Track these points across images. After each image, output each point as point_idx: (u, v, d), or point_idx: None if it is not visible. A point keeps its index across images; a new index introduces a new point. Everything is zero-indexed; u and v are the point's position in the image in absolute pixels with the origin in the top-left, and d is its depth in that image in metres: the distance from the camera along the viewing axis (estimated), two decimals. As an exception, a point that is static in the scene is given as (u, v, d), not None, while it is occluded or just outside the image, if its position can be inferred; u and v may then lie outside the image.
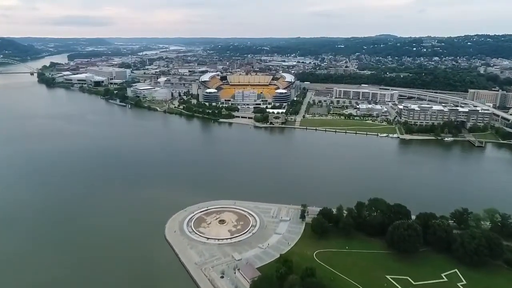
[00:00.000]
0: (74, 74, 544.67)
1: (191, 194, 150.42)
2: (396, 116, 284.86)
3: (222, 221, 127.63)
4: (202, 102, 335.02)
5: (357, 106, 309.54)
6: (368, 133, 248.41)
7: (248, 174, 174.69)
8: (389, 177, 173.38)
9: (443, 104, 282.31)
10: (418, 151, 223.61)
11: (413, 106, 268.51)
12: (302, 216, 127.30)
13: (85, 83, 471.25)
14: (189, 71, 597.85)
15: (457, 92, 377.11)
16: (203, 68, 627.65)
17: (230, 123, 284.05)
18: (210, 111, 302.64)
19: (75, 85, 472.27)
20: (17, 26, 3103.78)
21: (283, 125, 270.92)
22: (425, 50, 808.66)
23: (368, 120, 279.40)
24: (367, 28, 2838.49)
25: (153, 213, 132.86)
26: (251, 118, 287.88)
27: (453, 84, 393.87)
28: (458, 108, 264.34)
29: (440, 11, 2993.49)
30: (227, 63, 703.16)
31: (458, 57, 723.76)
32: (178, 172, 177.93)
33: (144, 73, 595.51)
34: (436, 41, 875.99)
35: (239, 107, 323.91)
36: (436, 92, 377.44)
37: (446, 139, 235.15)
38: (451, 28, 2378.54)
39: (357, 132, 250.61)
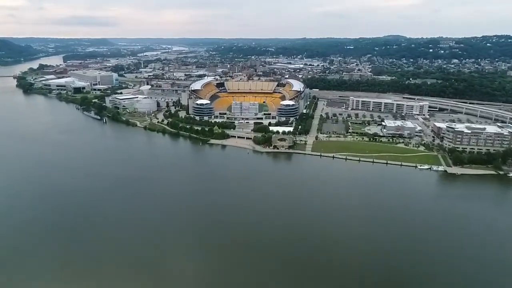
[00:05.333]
0: (59, 78, 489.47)
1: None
2: (434, 138, 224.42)
3: None
4: (192, 116, 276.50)
5: (383, 123, 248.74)
6: (403, 163, 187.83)
7: (235, 250, 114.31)
8: (455, 251, 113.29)
9: (498, 124, 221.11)
10: (479, 195, 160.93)
11: (459, 126, 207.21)
12: None
13: (64, 89, 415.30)
14: (185, 74, 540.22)
15: (498, 103, 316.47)
16: (201, 72, 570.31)
17: (224, 146, 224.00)
18: (199, 129, 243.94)
19: (54, 91, 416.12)
20: (23, 27, 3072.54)
21: (290, 150, 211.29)
22: (442, 51, 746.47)
23: (399, 142, 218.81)
24: (375, 29, 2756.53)
25: None
26: (250, 138, 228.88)
27: (491, 93, 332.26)
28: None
29: (452, 11, 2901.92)
30: (228, 66, 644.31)
31: (479, 60, 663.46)
32: (122, 246, 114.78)
33: (136, 77, 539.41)
34: (454, 42, 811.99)
35: (236, 122, 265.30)
36: (472, 103, 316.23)
37: (510, 174, 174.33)
38: (466, 29, 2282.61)
39: (388, 162, 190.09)
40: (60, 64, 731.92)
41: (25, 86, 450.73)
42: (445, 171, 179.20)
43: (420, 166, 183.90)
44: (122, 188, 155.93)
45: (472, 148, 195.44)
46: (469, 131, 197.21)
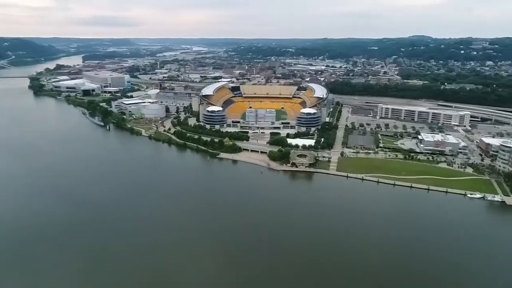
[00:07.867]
0: (72, 79, 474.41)
1: None
2: (483, 157, 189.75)
3: None
4: (203, 124, 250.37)
5: (419, 136, 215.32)
6: (448, 190, 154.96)
7: None
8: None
9: None
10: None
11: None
12: None
13: (74, 91, 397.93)
14: (201, 76, 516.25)
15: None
16: (218, 73, 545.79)
17: (235, 161, 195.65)
18: (208, 140, 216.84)
19: (63, 93, 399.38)
20: (49, 27, 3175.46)
21: (311, 168, 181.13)
22: (475, 53, 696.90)
23: (441, 161, 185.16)
24: (398, 29, 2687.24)
25: None
26: (265, 153, 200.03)
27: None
28: None
29: (479, 11, 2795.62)
30: (246, 67, 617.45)
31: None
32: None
33: (150, 78, 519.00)
34: (487, 42, 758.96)
35: (250, 132, 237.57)
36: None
37: None
38: (496, 29, 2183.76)
39: (430, 187, 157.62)
40: (77, 64, 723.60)
41: (36, 87, 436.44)
42: (503, 201, 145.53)
43: (471, 194, 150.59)
44: (89, 224, 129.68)
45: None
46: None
